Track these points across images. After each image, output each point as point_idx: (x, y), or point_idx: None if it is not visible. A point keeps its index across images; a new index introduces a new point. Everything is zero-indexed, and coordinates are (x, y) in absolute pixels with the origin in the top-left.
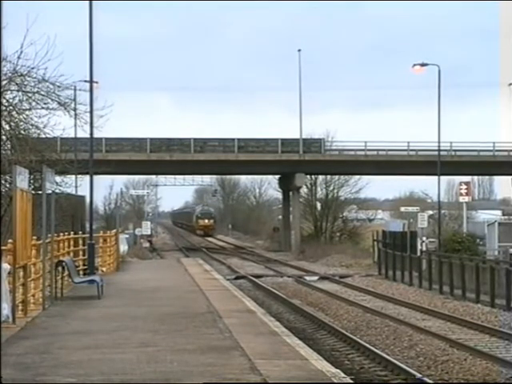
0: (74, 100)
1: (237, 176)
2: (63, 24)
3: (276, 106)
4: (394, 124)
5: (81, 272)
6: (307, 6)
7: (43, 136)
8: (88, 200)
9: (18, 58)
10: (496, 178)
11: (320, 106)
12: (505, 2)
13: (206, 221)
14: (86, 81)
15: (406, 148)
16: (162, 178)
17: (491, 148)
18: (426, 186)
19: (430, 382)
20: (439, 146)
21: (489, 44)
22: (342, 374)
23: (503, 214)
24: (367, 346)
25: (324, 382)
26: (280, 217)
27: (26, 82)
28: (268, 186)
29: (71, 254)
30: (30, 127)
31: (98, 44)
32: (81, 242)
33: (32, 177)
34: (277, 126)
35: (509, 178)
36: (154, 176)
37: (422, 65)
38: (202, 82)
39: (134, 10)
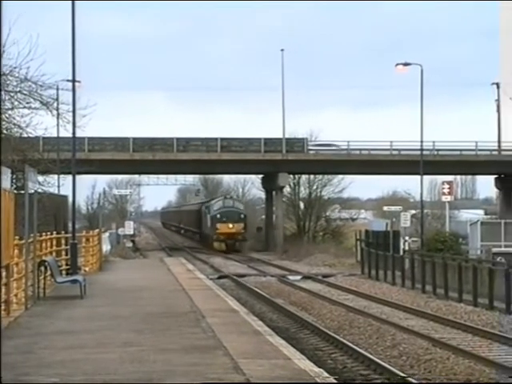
0: (57, 99)
1: (220, 175)
2: (48, 23)
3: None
4: (383, 123)
5: (63, 272)
6: (294, 8)
7: (25, 135)
8: (71, 199)
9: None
10: (479, 177)
11: (311, 105)
12: (505, 2)
13: (231, 225)
14: (68, 80)
15: (388, 147)
16: (144, 178)
17: (474, 147)
18: (409, 185)
19: (422, 382)
20: (422, 146)
21: (478, 44)
22: (325, 374)
23: (486, 214)
24: (350, 345)
25: (308, 383)
26: (263, 216)
27: (8, 82)
28: (251, 186)
29: (54, 253)
30: (13, 126)
31: (94, 43)
32: (63, 241)
33: (14, 176)
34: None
35: (491, 177)
36: (136, 175)
37: (405, 64)
38: (199, 81)
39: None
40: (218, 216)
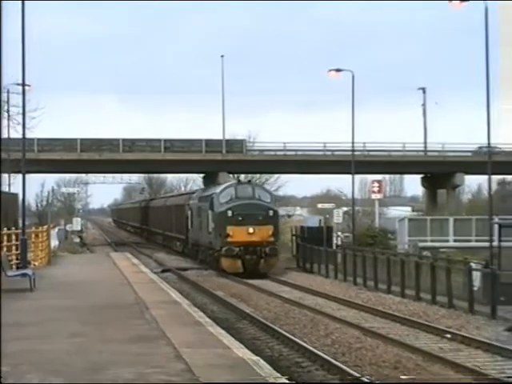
0: (7, 102)
1: (164, 175)
2: None
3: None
4: (318, 126)
5: (14, 266)
6: (236, 16)
7: None
8: (20, 197)
9: None
10: (406, 176)
11: (251, 108)
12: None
13: (251, 229)
14: (18, 84)
15: (322, 148)
16: (92, 177)
17: (402, 148)
18: (342, 183)
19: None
20: (353, 147)
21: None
22: (262, 362)
23: (413, 210)
24: (286, 334)
25: (262, 383)
26: None
27: None
28: (193, 184)
29: (4, 248)
30: None
31: (44, 44)
32: (14, 237)
33: None
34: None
35: (418, 176)
36: (84, 174)
37: (337, 70)
38: (146, 84)
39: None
40: (230, 214)
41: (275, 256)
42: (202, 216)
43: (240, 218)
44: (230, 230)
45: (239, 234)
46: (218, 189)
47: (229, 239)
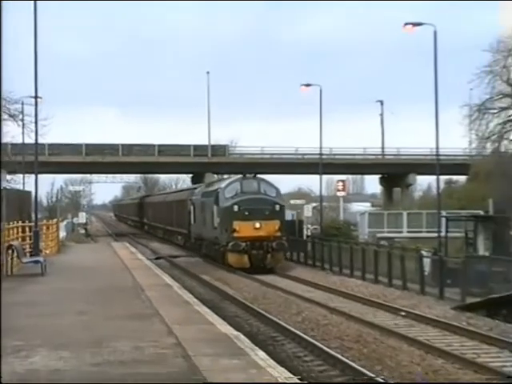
0: (22, 112)
1: (157, 175)
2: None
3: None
4: (291, 133)
5: (28, 254)
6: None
7: None
8: (33, 195)
9: None
10: (366, 176)
11: (233, 117)
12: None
13: (258, 224)
14: (31, 96)
15: (294, 152)
16: (95, 177)
17: (362, 152)
18: (311, 182)
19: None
20: (321, 151)
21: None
22: (242, 336)
23: (372, 206)
24: (263, 312)
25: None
26: None
27: None
28: (183, 183)
29: (20, 239)
30: None
31: (54, 62)
32: (28, 229)
33: None
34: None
35: (376, 176)
36: (88, 175)
37: (307, 85)
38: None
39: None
40: (236, 208)
41: (282, 251)
42: (206, 211)
43: (246, 213)
44: (236, 224)
45: (246, 228)
46: (223, 183)
47: (235, 234)
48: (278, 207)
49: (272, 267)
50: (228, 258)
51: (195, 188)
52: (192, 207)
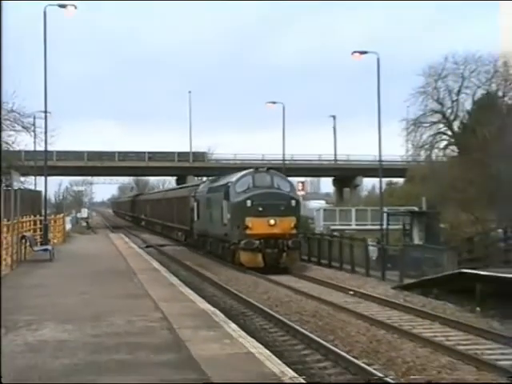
0: (34, 125)
1: (147, 177)
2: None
3: (183, 128)
4: (260, 142)
5: (38, 243)
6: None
7: (12, 149)
8: (43, 194)
9: None
10: (322, 178)
11: (211, 127)
12: None
13: (273, 220)
14: (41, 111)
15: (262, 158)
16: (95, 179)
17: (318, 158)
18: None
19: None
20: (284, 157)
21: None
22: (218, 312)
23: (326, 203)
24: (235, 292)
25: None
26: None
27: None
28: (169, 184)
29: (31, 230)
30: (3, 143)
31: (61, 80)
32: (38, 222)
33: (4, 178)
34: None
35: (330, 178)
36: (89, 177)
37: (273, 102)
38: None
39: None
40: (249, 204)
41: (298, 249)
42: (213, 207)
43: (260, 209)
44: (249, 221)
45: (259, 225)
46: (234, 177)
47: (248, 231)
48: (293, 202)
49: (286, 267)
50: (240, 256)
51: (198, 184)
52: (195, 203)
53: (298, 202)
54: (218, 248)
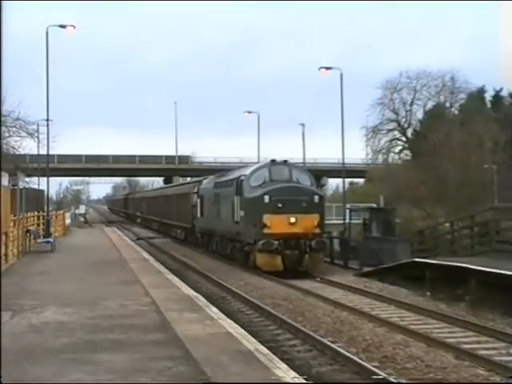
0: (37, 131)
1: (138, 178)
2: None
3: (170, 135)
4: (239, 147)
5: (41, 236)
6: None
7: (17, 153)
8: (46, 192)
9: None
10: None
11: (194, 133)
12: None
13: (293, 218)
14: (45, 119)
15: (239, 161)
16: (92, 179)
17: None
18: None
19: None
20: (259, 160)
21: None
22: (201, 297)
23: None
24: (215, 279)
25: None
26: None
27: (6, 120)
28: (157, 184)
29: (35, 225)
30: (10, 148)
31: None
32: (41, 218)
33: (11, 178)
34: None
35: None
36: (87, 177)
37: (249, 112)
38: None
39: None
40: (267, 199)
41: (322, 251)
42: (221, 203)
43: (279, 205)
44: (266, 219)
45: (278, 224)
46: (248, 170)
47: (265, 230)
48: (316, 198)
49: (308, 271)
50: (256, 259)
51: (201, 180)
52: (199, 200)
53: (321, 197)
54: (227, 248)
